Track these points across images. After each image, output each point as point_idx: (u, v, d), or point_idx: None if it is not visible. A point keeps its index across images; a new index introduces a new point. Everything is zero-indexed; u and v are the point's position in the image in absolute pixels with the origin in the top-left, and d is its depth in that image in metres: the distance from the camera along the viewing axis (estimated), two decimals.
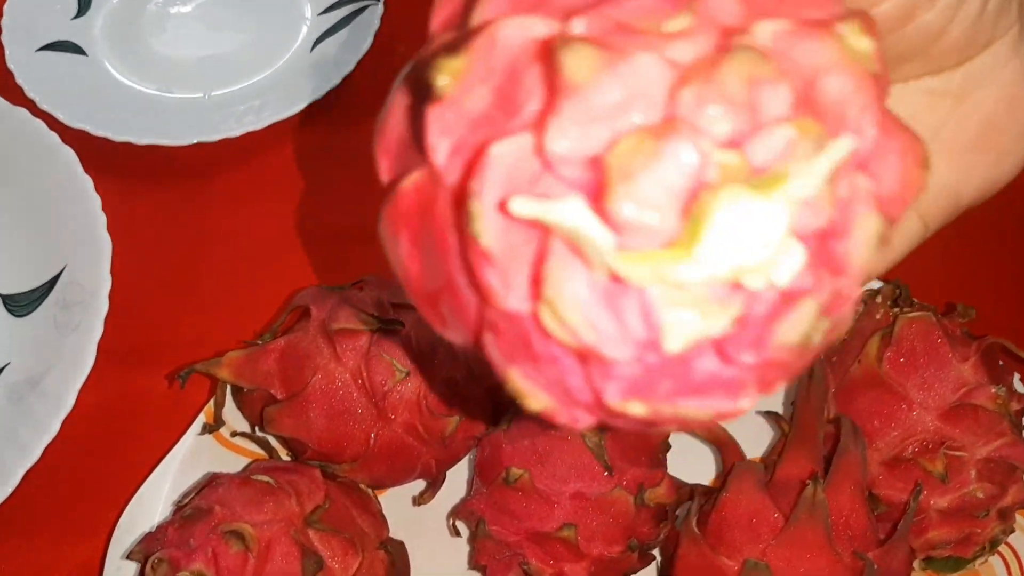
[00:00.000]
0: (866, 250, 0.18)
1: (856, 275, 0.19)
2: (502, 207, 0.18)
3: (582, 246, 0.17)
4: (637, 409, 0.19)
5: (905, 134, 0.20)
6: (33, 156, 0.59)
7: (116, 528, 0.48)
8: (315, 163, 0.64)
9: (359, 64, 0.64)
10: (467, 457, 0.50)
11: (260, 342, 0.48)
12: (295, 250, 0.60)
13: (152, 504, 0.48)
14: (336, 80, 0.63)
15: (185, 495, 0.46)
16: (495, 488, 0.46)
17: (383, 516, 0.47)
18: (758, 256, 0.17)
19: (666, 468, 0.48)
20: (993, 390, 0.46)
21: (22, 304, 0.56)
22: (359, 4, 0.67)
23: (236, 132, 0.62)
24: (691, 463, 0.51)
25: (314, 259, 0.59)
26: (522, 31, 0.18)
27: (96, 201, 0.56)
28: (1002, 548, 0.49)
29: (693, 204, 0.17)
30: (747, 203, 0.17)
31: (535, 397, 0.19)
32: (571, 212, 0.17)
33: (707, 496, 0.46)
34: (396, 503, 0.49)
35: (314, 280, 0.56)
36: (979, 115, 0.27)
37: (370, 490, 0.48)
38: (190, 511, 0.42)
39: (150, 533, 0.44)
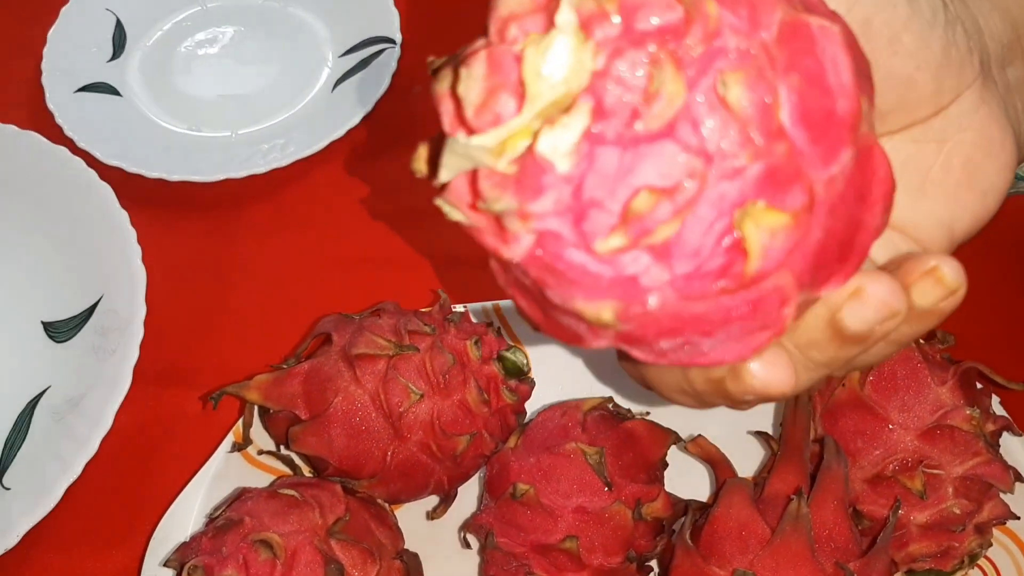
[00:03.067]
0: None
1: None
2: None
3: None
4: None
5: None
6: (73, 192, 0.62)
7: (152, 538, 0.50)
8: (335, 197, 0.67)
9: (377, 103, 0.67)
10: (477, 474, 0.53)
11: (285, 366, 0.51)
12: (317, 279, 0.63)
13: (185, 516, 0.50)
14: (356, 119, 0.67)
15: (217, 508, 0.49)
16: (503, 503, 0.48)
17: (399, 529, 0.49)
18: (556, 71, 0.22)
19: (663, 484, 0.50)
20: (968, 412, 0.47)
21: (62, 331, 0.59)
22: (377, 47, 0.71)
23: (262, 168, 0.65)
24: (687, 480, 0.53)
25: (334, 287, 0.62)
26: None
27: (132, 234, 0.59)
28: (981, 562, 0.50)
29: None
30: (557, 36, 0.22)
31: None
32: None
33: (701, 511, 0.48)
34: (411, 517, 0.51)
35: (335, 307, 0.59)
36: (960, 156, 0.30)
37: (387, 505, 0.50)
38: (222, 522, 0.45)
39: (185, 542, 0.46)
